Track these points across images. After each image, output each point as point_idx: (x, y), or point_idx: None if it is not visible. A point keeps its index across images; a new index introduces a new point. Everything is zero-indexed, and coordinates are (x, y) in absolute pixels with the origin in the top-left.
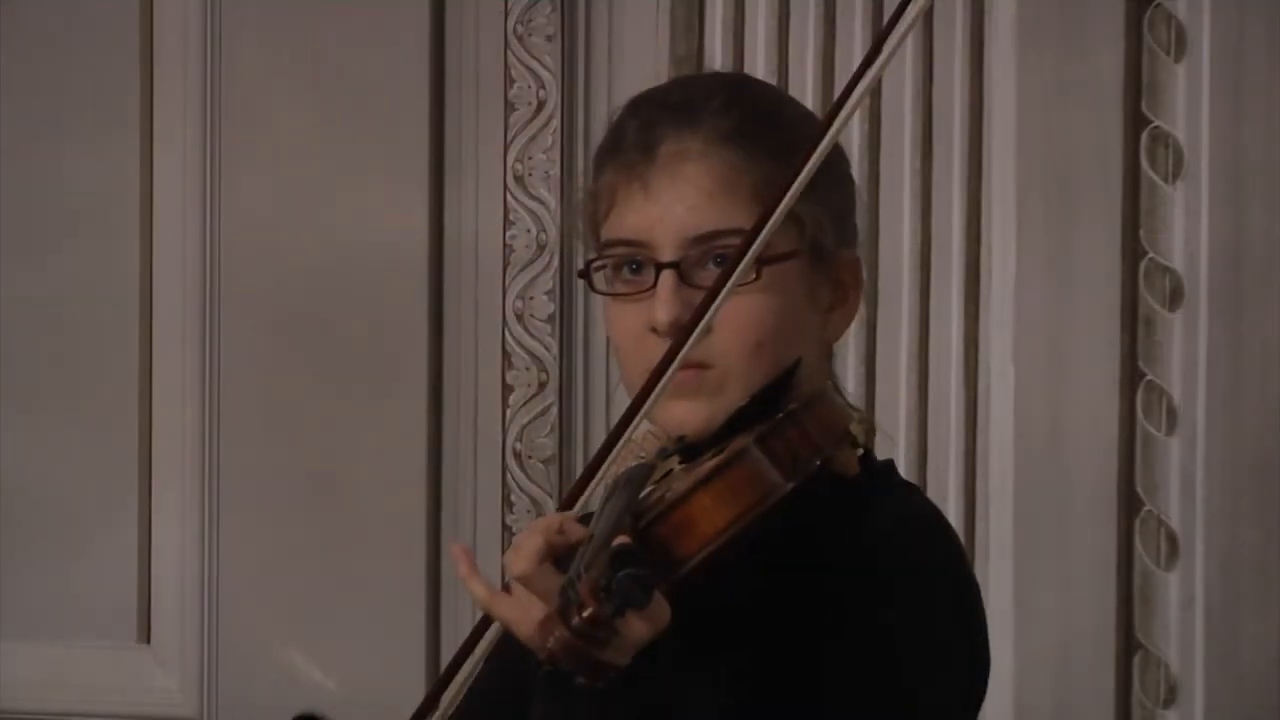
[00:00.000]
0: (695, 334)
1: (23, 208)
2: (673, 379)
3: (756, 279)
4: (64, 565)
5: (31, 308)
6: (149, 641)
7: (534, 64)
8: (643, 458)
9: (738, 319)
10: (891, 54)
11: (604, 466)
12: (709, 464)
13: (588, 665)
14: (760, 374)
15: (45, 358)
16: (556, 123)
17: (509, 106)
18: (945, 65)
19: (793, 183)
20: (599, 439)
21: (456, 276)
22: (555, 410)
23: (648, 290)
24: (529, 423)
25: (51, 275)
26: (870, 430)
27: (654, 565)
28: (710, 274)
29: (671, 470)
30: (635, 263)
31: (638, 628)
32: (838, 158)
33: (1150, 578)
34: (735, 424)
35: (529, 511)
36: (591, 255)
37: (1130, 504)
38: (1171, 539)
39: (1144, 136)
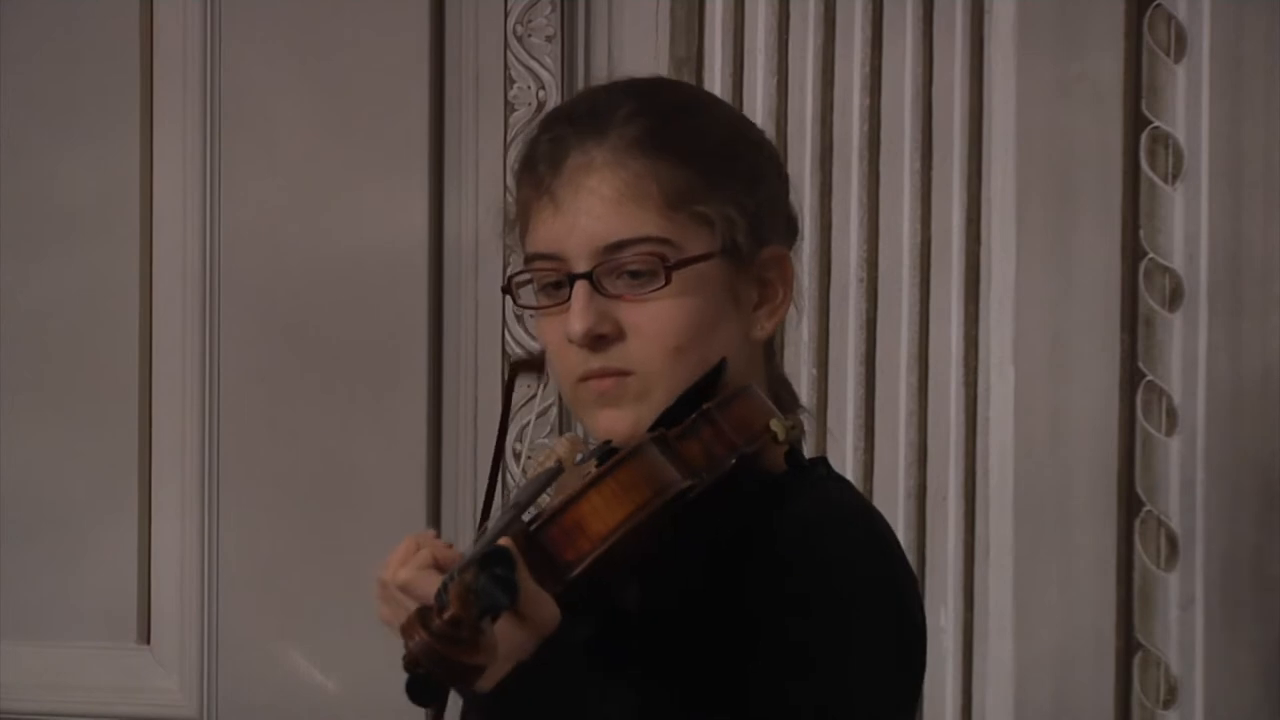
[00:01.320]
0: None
1: (23, 208)
2: (592, 390)
3: (666, 284)
4: (64, 565)
5: (31, 308)
6: (149, 641)
7: (534, 64)
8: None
9: (652, 325)
10: None
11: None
12: (604, 465)
13: (448, 668)
14: (683, 377)
15: (45, 358)
16: None
17: (509, 106)
18: (945, 65)
19: (706, 189)
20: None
21: (456, 276)
22: (555, 411)
23: (566, 303)
24: (529, 423)
25: (51, 275)
26: (795, 426)
27: (542, 568)
28: (623, 284)
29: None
30: (555, 278)
31: (507, 630)
32: (753, 155)
33: (1150, 578)
34: (659, 427)
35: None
36: (514, 269)
37: (1130, 504)
38: (1171, 539)
39: (1144, 136)
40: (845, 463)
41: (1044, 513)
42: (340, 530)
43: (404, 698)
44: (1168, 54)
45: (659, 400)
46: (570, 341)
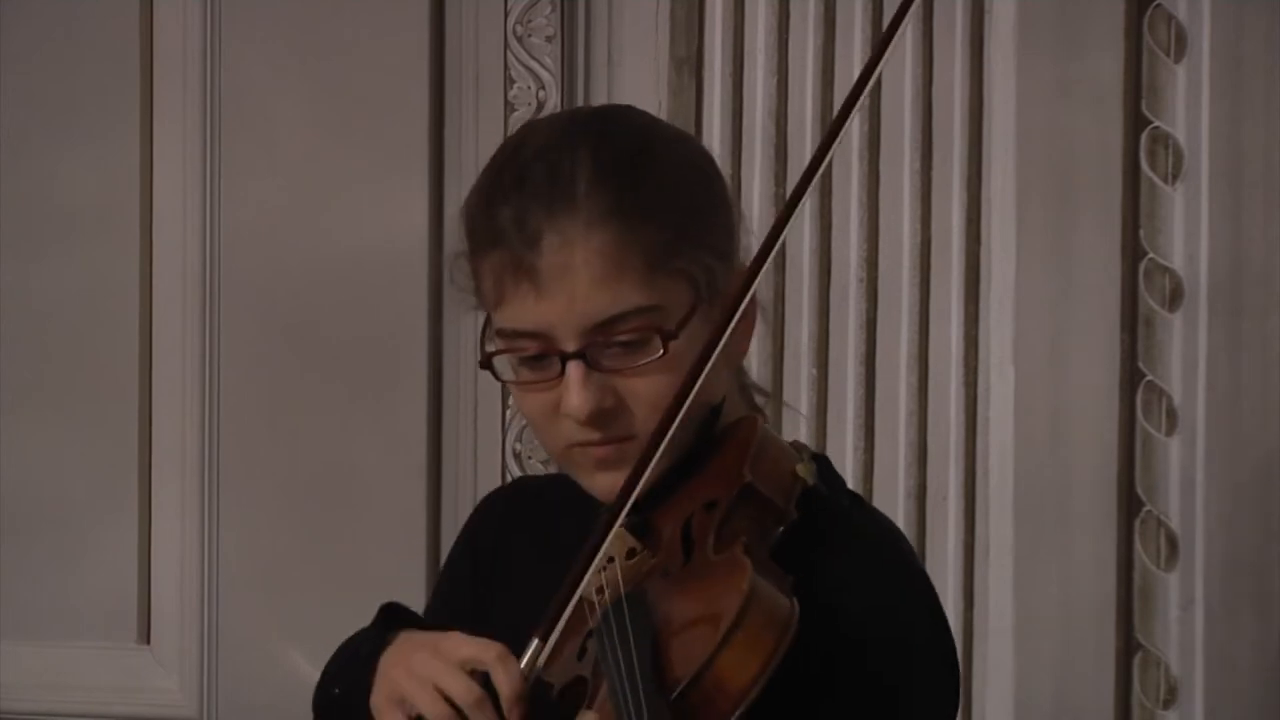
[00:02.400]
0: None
1: (23, 208)
2: (591, 456)
3: (664, 354)
4: (64, 565)
5: (31, 308)
6: (149, 641)
7: (534, 64)
8: (607, 565)
9: (651, 393)
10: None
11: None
12: (716, 601)
13: None
14: (684, 432)
15: (45, 358)
16: None
17: (509, 106)
18: (945, 65)
19: (682, 242)
20: None
21: None
22: None
23: (554, 379)
24: (529, 423)
25: (51, 275)
26: (811, 467)
27: None
28: (616, 355)
29: (634, 550)
30: (537, 353)
31: None
32: (707, 185)
33: (1150, 578)
34: (672, 478)
35: None
36: (491, 345)
37: (1130, 504)
38: (1171, 539)
39: (1144, 137)
40: (845, 463)
41: (1044, 513)
42: (340, 530)
43: None
44: (1168, 54)
45: (660, 460)
46: (568, 418)
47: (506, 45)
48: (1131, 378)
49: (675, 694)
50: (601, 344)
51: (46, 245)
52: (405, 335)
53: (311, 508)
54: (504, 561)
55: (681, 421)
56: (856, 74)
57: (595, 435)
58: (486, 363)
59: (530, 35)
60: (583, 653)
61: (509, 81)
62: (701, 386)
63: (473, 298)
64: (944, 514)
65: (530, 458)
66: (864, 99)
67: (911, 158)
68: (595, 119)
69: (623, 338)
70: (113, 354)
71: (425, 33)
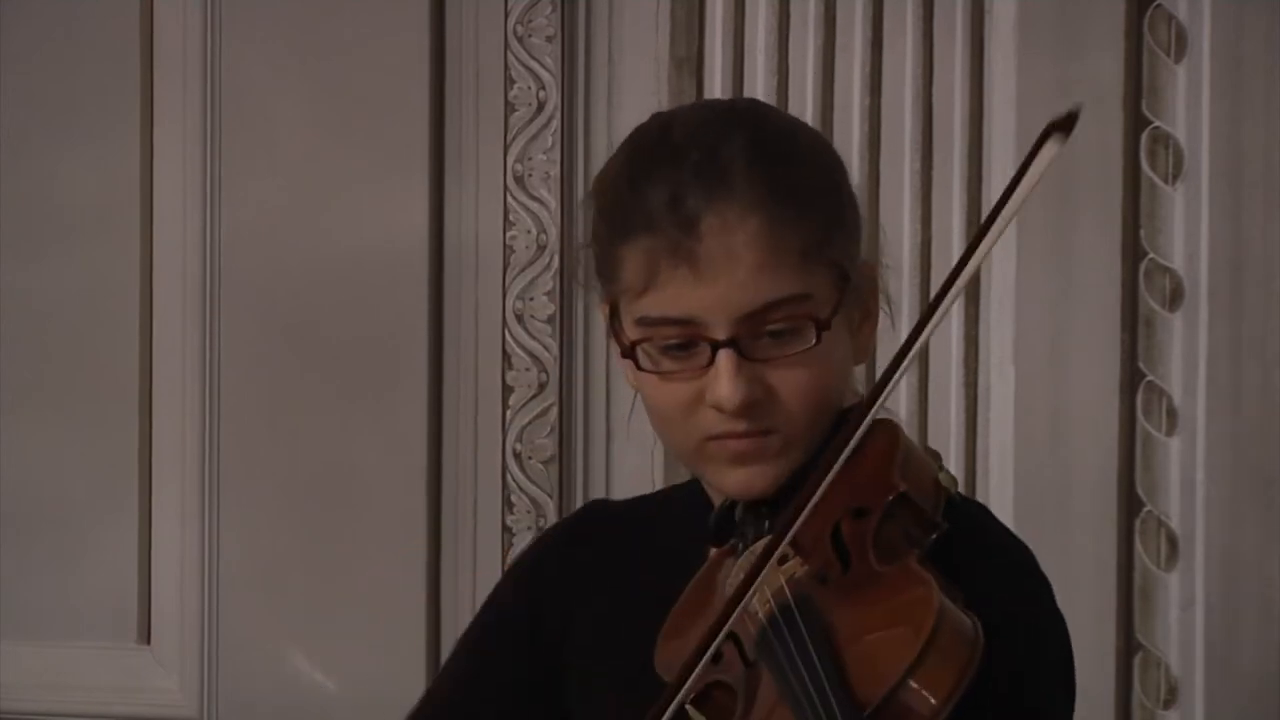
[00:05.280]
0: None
1: (23, 208)
2: (729, 449)
3: (817, 343)
4: (64, 565)
5: (31, 308)
6: (149, 641)
7: (534, 64)
8: (774, 578)
9: (799, 385)
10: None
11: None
12: (914, 636)
13: None
14: (822, 429)
15: (45, 358)
16: (557, 123)
17: (509, 107)
18: (945, 65)
19: (833, 233)
20: (599, 440)
21: (457, 277)
22: (555, 411)
23: (701, 369)
24: (529, 423)
25: (51, 275)
26: (951, 475)
27: None
28: (766, 345)
29: (786, 556)
30: (684, 340)
31: None
32: (843, 174)
33: (1150, 578)
34: (800, 476)
35: (529, 512)
36: (634, 334)
37: (1130, 504)
38: (1172, 539)
39: (1144, 137)
40: None
41: (1044, 513)
42: (340, 530)
43: (404, 698)
44: (1168, 54)
45: (796, 456)
46: (716, 408)
47: (506, 45)
48: (1132, 378)
49: (867, 713)
50: (752, 333)
51: (46, 245)
52: (405, 335)
53: (311, 508)
54: (582, 625)
55: (817, 420)
56: (857, 74)
57: (739, 427)
58: (630, 351)
59: (530, 35)
60: (718, 657)
61: (509, 81)
62: (840, 382)
63: (599, 291)
64: None
65: (530, 458)
66: (864, 99)
67: (911, 158)
68: (744, 107)
69: (775, 326)
70: (113, 354)
71: (425, 33)
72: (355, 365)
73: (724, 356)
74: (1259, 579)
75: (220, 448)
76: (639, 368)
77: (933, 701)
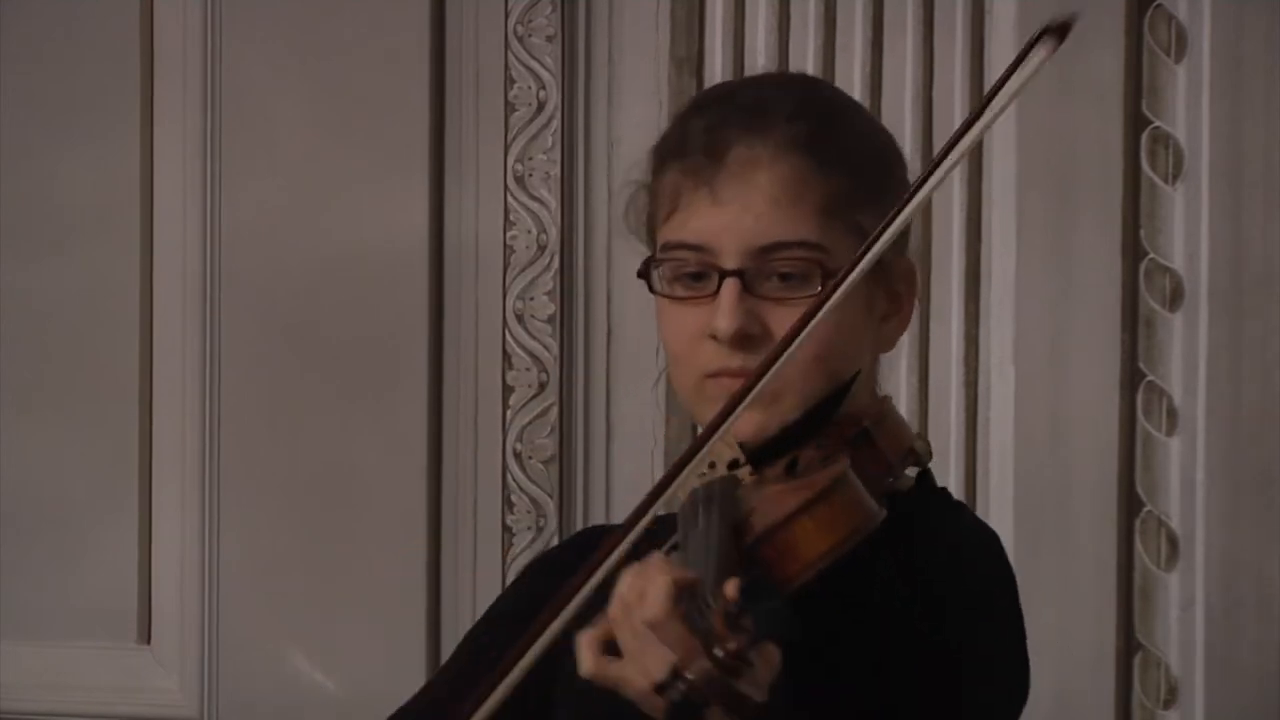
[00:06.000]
0: (774, 368)
1: (23, 208)
2: (733, 391)
3: (820, 291)
4: (64, 565)
5: (31, 308)
6: (149, 641)
7: (534, 64)
8: (708, 470)
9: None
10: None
11: (674, 483)
12: (810, 486)
13: (730, 699)
14: (817, 385)
15: (45, 358)
16: (557, 123)
17: (509, 107)
18: (945, 65)
19: (864, 198)
20: (599, 439)
21: (457, 277)
22: (555, 411)
23: (708, 296)
24: (529, 423)
25: (51, 275)
26: (928, 446)
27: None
28: (774, 286)
29: (742, 480)
30: (697, 269)
31: (771, 661)
32: (898, 164)
33: (1150, 578)
34: (792, 434)
35: (529, 511)
36: (650, 253)
37: (1130, 504)
38: (1172, 539)
39: (1144, 137)
40: None
41: (1044, 513)
42: (340, 530)
43: (404, 698)
44: (1168, 54)
45: (789, 407)
46: (712, 337)
47: (507, 45)
48: (1132, 378)
49: (749, 542)
50: (762, 270)
51: (46, 245)
52: (405, 335)
53: (311, 508)
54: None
55: (813, 376)
56: (857, 74)
57: (735, 363)
58: (645, 271)
59: (531, 35)
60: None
61: (509, 81)
62: (845, 354)
63: (640, 237)
64: None
65: (530, 458)
66: (864, 99)
67: (912, 158)
68: (810, 78)
69: (785, 268)
70: (113, 354)
71: (425, 33)
72: (355, 365)
73: (728, 285)
74: (1259, 579)
75: (220, 447)
76: (652, 289)
77: (810, 551)
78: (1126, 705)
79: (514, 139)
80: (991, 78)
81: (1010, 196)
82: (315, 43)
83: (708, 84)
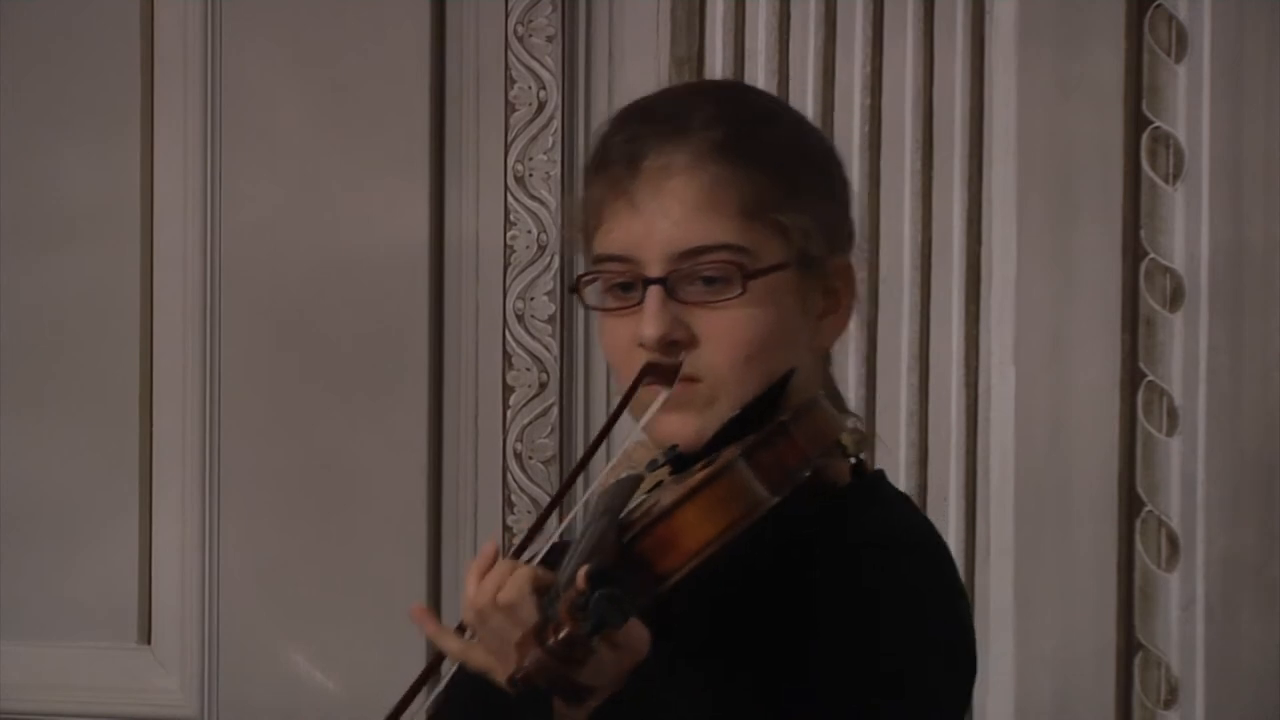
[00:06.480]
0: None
1: (23, 208)
2: (652, 397)
3: (742, 293)
4: (64, 565)
5: (31, 308)
6: (149, 641)
7: (534, 64)
8: (633, 470)
9: (725, 333)
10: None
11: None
12: (695, 477)
13: (563, 686)
14: (751, 386)
15: (45, 358)
16: (557, 123)
17: (509, 107)
18: (946, 65)
19: (784, 198)
20: None
21: (457, 277)
22: (555, 411)
23: (636, 305)
24: (529, 423)
25: (51, 275)
26: (861, 439)
27: (635, 582)
28: (698, 290)
29: (661, 482)
30: (625, 279)
31: (615, 650)
32: (827, 165)
33: (1151, 578)
34: (727, 435)
35: (529, 511)
36: (583, 269)
37: (1131, 504)
38: (1172, 539)
39: (1144, 136)
40: None
41: (1044, 513)
42: (340, 531)
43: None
44: (1168, 54)
45: (724, 408)
46: (640, 345)
47: (507, 45)
48: (1132, 378)
49: (628, 536)
50: (685, 275)
51: (46, 245)
52: (405, 335)
53: (311, 508)
54: None
55: (744, 376)
56: (857, 74)
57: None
58: (575, 287)
59: (531, 35)
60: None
61: (509, 81)
62: (777, 354)
63: (582, 245)
64: (944, 514)
65: (531, 457)
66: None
67: (912, 158)
68: (729, 84)
69: (706, 271)
70: (113, 354)
71: (425, 33)
72: (355, 365)
73: (651, 292)
74: (1259, 579)
75: (220, 448)
76: (585, 303)
77: (690, 543)
78: (1126, 705)
79: (514, 139)
80: (992, 77)
81: (1010, 196)
82: (315, 44)
83: None
